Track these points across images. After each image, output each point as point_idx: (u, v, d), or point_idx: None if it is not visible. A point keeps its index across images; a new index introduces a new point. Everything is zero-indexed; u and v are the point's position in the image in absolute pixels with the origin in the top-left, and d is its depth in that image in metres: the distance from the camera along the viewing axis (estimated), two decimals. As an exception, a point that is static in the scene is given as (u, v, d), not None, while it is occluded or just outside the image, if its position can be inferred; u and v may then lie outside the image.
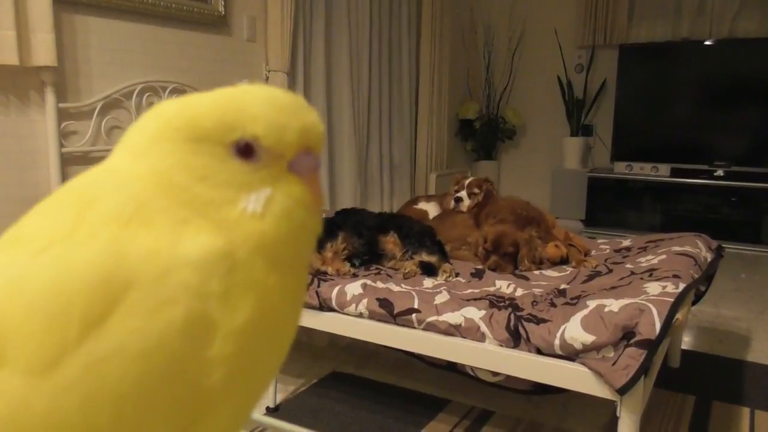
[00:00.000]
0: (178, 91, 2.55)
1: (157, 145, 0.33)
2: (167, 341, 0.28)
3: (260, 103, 0.32)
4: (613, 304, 1.34)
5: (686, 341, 2.40)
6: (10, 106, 2.03)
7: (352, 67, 3.58)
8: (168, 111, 0.34)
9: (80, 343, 0.27)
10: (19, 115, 2.05)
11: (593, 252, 2.13)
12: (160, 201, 0.31)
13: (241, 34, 2.90)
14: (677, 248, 1.83)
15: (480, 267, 1.92)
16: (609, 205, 4.33)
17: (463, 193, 2.40)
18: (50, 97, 2.09)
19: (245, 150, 0.31)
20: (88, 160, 2.26)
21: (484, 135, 4.87)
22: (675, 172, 4.11)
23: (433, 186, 4.25)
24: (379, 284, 1.67)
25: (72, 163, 2.21)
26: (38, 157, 2.11)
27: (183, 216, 0.30)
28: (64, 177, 2.16)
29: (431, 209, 2.60)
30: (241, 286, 0.30)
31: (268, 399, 1.82)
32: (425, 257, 1.85)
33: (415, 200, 2.77)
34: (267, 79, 3.03)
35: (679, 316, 1.30)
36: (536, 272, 1.91)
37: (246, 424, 0.35)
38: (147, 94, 2.44)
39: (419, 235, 1.91)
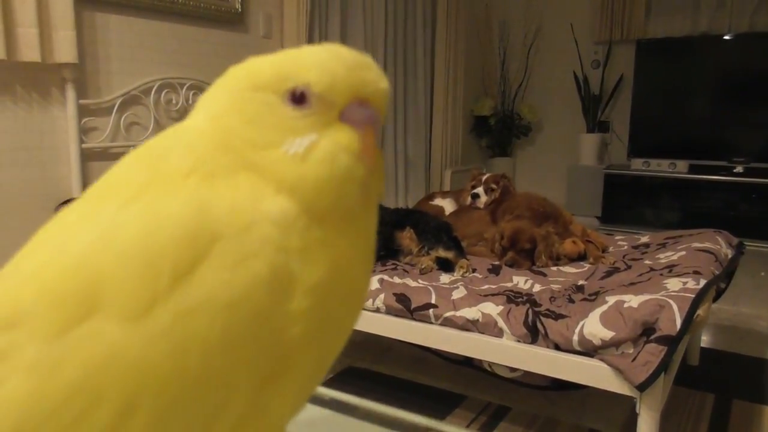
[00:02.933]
0: (196, 87, 2.57)
1: (220, 97, 0.34)
2: (252, 293, 0.28)
3: (320, 55, 0.32)
4: (633, 300, 1.33)
5: (705, 339, 2.38)
6: (32, 102, 2.05)
7: (368, 63, 3.58)
8: (236, 68, 0.35)
9: (170, 292, 0.27)
10: (41, 112, 2.08)
11: (611, 248, 2.12)
12: (220, 151, 0.32)
13: (257, 31, 2.91)
14: (697, 244, 1.82)
15: (497, 263, 1.92)
16: (626, 202, 4.29)
17: (480, 189, 2.39)
18: (71, 94, 2.11)
19: (298, 97, 0.32)
20: (108, 155, 2.29)
21: (499, 131, 4.84)
22: (693, 169, 4.06)
23: (448, 182, 4.24)
24: (396, 279, 1.68)
25: (92, 158, 2.23)
26: (59, 153, 2.14)
27: (233, 163, 0.31)
28: (85, 172, 2.19)
29: (447, 205, 2.60)
30: (318, 243, 0.31)
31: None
32: (442, 253, 1.85)
33: (431, 196, 2.77)
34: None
35: (700, 312, 1.29)
36: (553, 268, 1.90)
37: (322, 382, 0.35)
38: (165, 91, 2.46)
39: (436, 231, 1.91)
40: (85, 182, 2.20)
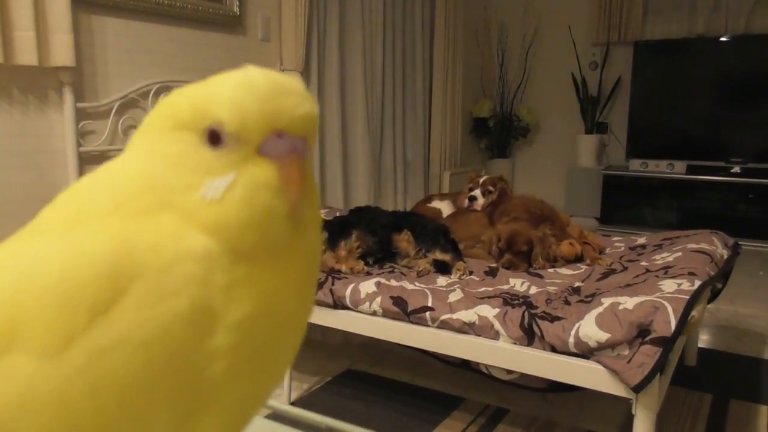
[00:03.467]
0: (194, 90, 2.57)
1: (147, 137, 0.34)
2: (171, 331, 0.28)
3: (232, 88, 0.31)
4: (628, 302, 1.34)
5: (703, 339, 2.38)
6: (29, 105, 2.06)
7: (366, 65, 3.59)
8: (161, 104, 0.35)
9: (88, 330, 0.28)
10: (38, 115, 2.08)
11: (608, 250, 2.12)
12: (144, 193, 0.32)
13: (255, 33, 2.92)
14: (693, 246, 1.82)
15: (494, 265, 1.92)
16: (624, 203, 4.30)
17: (478, 192, 2.40)
18: (68, 97, 2.11)
19: (213, 137, 0.31)
20: (105, 159, 2.28)
21: (497, 133, 4.85)
22: (691, 169, 4.07)
23: (446, 184, 4.25)
24: (393, 282, 1.68)
25: (90, 162, 2.24)
26: (56, 156, 2.14)
27: (155, 205, 0.31)
28: (82, 175, 2.19)
29: (445, 208, 2.60)
30: (243, 280, 0.31)
31: (283, 396, 1.84)
32: (439, 255, 1.85)
33: (428, 199, 2.77)
34: (281, 78, 3.04)
35: (694, 313, 1.29)
36: (550, 270, 1.91)
37: (254, 416, 0.35)
38: (163, 94, 2.45)
39: (433, 234, 1.92)
40: (83, 185, 2.20)
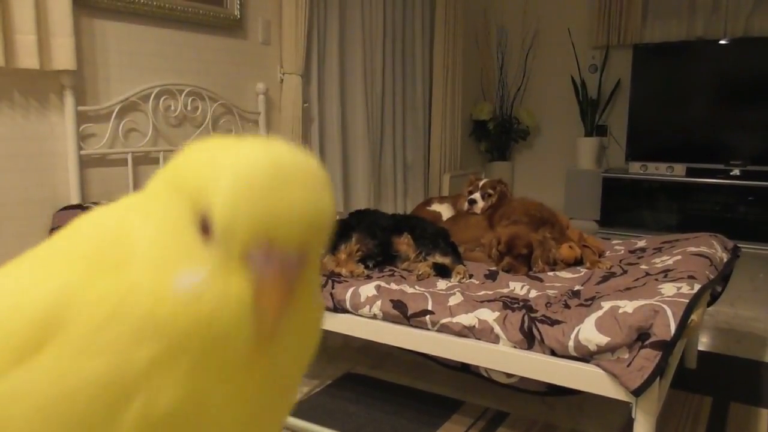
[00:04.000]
0: (195, 94, 2.58)
1: (156, 187, 0.31)
2: (81, 394, 0.27)
3: (229, 177, 0.26)
4: (628, 306, 1.34)
5: (703, 342, 2.38)
6: (30, 109, 2.06)
7: (366, 68, 3.60)
8: (175, 160, 0.31)
9: (7, 372, 0.27)
10: (39, 118, 2.09)
11: (607, 253, 2.12)
12: (126, 247, 0.29)
13: (256, 37, 2.93)
14: (693, 249, 1.82)
15: (494, 268, 1.93)
16: (624, 206, 4.31)
17: (477, 195, 2.40)
18: (69, 101, 2.12)
19: (204, 226, 0.27)
20: (106, 162, 2.30)
21: (497, 136, 4.86)
22: (691, 172, 4.08)
23: (446, 187, 4.25)
24: (393, 286, 1.68)
25: (90, 165, 2.24)
26: (57, 159, 2.15)
27: (127, 263, 0.29)
28: (83, 178, 2.20)
29: (444, 211, 2.61)
30: (172, 371, 0.28)
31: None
32: (439, 259, 1.86)
33: (428, 201, 2.78)
34: (282, 81, 3.05)
35: (694, 317, 1.30)
36: (550, 273, 1.91)
37: None
38: (164, 97, 2.47)
39: (433, 237, 1.92)
40: (84, 188, 2.21)
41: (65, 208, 2.09)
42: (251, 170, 0.26)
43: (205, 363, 0.28)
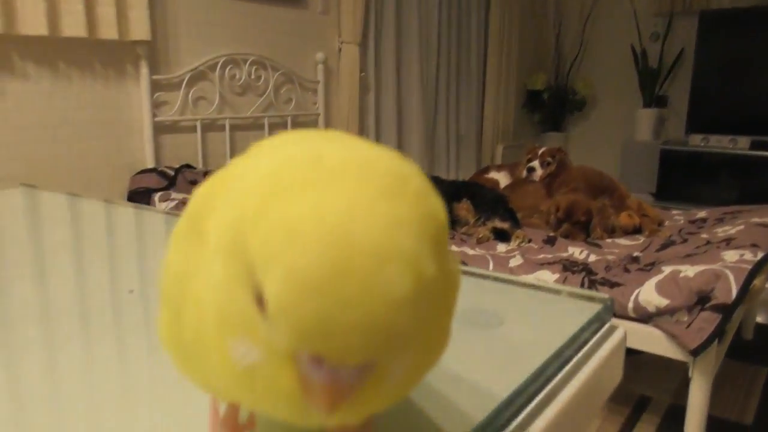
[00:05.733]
0: (257, 63, 2.67)
1: (213, 244, 0.23)
2: None
3: (283, 263, 0.19)
4: (689, 270, 1.36)
5: (761, 315, 2.36)
6: (109, 78, 2.19)
7: (422, 38, 3.61)
8: (231, 214, 0.22)
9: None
10: (117, 87, 2.21)
11: (667, 222, 2.12)
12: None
13: (315, 7, 2.98)
14: (756, 219, 1.81)
15: (552, 234, 1.96)
16: (682, 179, 4.21)
17: (536, 163, 2.42)
18: (144, 70, 2.24)
19: (258, 299, 0.20)
20: (177, 128, 2.42)
21: (552, 106, 4.80)
22: (755, 145, 3.95)
23: (499, 157, 4.25)
24: (454, 248, 1.74)
25: (163, 131, 2.37)
26: (134, 126, 2.28)
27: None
28: (157, 144, 2.32)
29: (502, 178, 2.64)
30: None
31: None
32: (498, 224, 1.90)
33: (485, 169, 2.80)
34: (340, 51, 3.11)
35: (756, 282, 1.31)
36: (608, 240, 1.93)
37: None
38: (229, 67, 2.56)
39: (492, 203, 1.96)
40: (157, 154, 2.33)
41: (141, 172, 2.23)
42: (311, 261, 0.18)
43: None
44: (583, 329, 0.40)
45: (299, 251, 0.19)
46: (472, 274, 0.54)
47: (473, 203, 1.96)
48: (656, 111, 4.41)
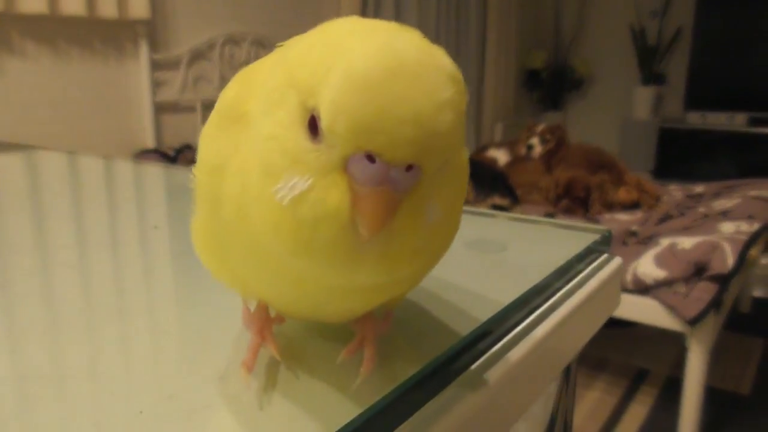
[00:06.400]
0: (257, 42, 2.66)
1: (269, 83, 0.25)
2: None
3: (344, 69, 0.21)
4: (686, 242, 1.38)
5: (758, 288, 2.39)
6: (108, 57, 2.19)
7: (421, 16, 3.60)
8: (288, 48, 0.26)
9: None
10: (117, 66, 2.21)
11: (664, 198, 2.14)
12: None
13: (314, -16, 2.97)
14: (753, 192, 1.83)
15: (551, 211, 1.98)
16: (680, 157, 4.23)
17: (535, 140, 2.43)
18: (144, 49, 2.23)
19: (312, 124, 0.23)
20: (178, 108, 2.42)
21: (551, 85, 4.79)
22: (754, 122, 3.96)
23: (498, 136, 4.26)
24: (454, 224, 1.76)
25: (164, 111, 2.37)
26: (133, 106, 2.28)
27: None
28: (157, 124, 2.33)
29: (501, 156, 2.65)
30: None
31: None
32: (498, 200, 1.92)
33: (484, 148, 2.81)
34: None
35: (752, 251, 1.33)
36: (607, 215, 1.95)
37: None
38: (228, 46, 2.56)
39: (492, 179, 1.98)
40: (158, 133, 2.34)
41: (142, 153, 2.23)
42: (365, 63, 0.21)
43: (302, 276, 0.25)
44: (582, 255, 0.44)
45: (353, 57, 0.21)
46: (478, 214, 0.57)
47: (473, 180, 1.98)
48: (654, 88, 4.41)
